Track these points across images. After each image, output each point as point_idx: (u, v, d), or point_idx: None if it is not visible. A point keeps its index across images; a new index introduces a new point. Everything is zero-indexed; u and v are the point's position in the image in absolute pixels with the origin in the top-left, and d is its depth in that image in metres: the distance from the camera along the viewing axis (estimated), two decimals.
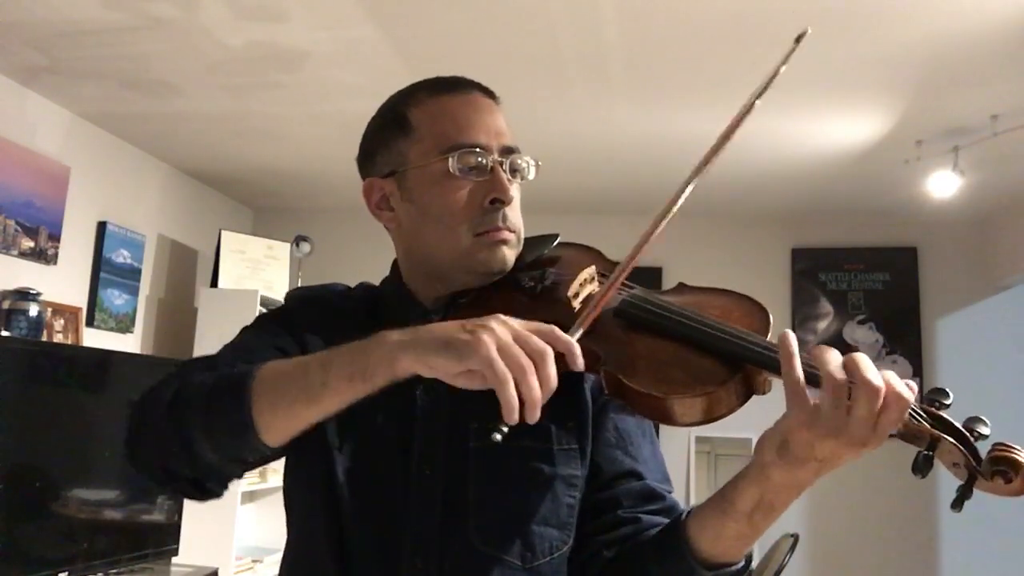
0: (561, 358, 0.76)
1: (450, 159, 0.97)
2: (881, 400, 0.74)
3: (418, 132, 1.00)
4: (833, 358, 0.76)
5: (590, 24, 2.53)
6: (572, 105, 3.18)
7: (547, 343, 0.75)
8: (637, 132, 3.44)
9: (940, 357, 4.47)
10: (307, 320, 1.03)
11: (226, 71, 2.95)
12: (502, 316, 0.75)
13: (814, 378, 0.77)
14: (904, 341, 4.50)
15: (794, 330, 4.53)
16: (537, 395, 0.72)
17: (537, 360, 0.73)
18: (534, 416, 0.72)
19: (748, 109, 0.92)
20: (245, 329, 1.05)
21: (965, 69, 2.74)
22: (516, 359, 0.72)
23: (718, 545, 0.87)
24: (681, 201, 0.89)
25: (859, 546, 4.36)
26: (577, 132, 3.46)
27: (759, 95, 0.93)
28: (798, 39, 0.95)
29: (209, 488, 0.90)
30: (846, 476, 4.33)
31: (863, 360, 0.75)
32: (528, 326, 0.76)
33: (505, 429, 0.74)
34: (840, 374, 0.75)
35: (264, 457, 0.85)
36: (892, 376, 0.76)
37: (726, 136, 0.91)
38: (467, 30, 2.62)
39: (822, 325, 4.57)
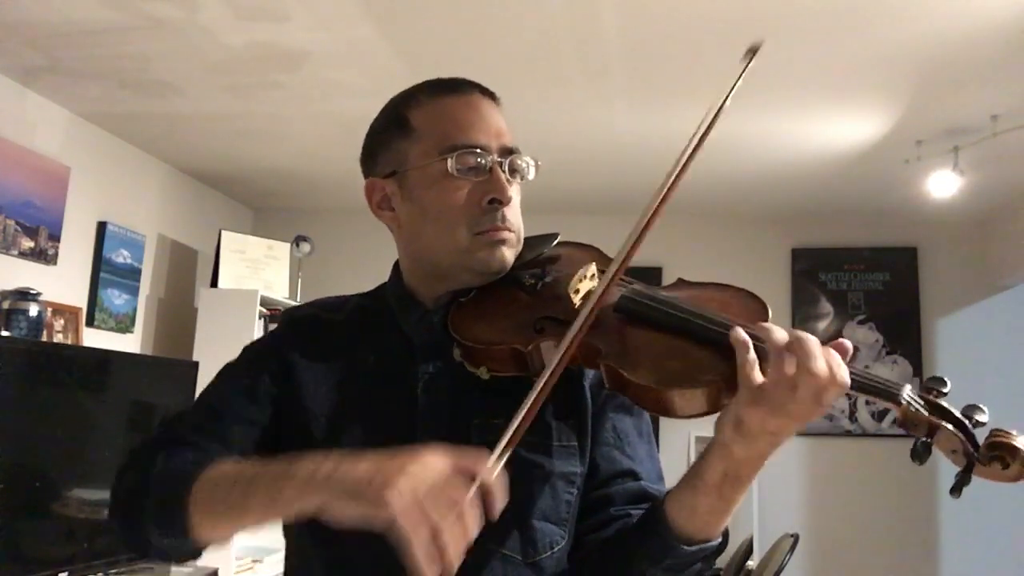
0: (484, 499, 0.72)
1: (449, 160, 0.97)
2: (822, 382, 0.79)
3: (418, 132, 1.00)
4: (777, 335, 0.81)
5: (590, 24, 2.53)
6: (572, 105, 3.18)
7: (469, 481, 0.71)
8: (637, 132, 3.44)
9: (940, 357, 4.47)
10: (295, 341, 1.04)
11: (226, 71, 2.95)
12: (422, 458, 0.72)
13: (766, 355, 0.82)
14: (904, 341, 4.51)
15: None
16: (450, 553, 0.68)
17: (454, 513, 0.69)
18: (452, 568, 0.68)
19: (714, 118, 0.95)
20: (227, 370, 1.06)
21: (965, 69, 2.74)
22: (428, 516, 0.68)
23: (694, 520, 0.89)
24: (666, 198, 0.91)
25: (859, 546, 4.36)
26: (577, 132, 3.46)
27: (722, 105, 0.95)
28: (751, 52, 0.96)
29: (176, 562, 0.98)
30: (846, 476, 4.37)
31: (806, 344, 0.80)
32: (448, 466, 0.72)
33: None
34: (783, 350, 0.80)
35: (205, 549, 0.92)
36: (832, 356, 0.81)
37: (699, 141, 0.94)
38: (467, 30, 2.62)
39: (822, 325, 4.57)
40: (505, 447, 0.77)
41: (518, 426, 0.79)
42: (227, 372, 1.06)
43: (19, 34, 2.71)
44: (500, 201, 0.98)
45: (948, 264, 4.54)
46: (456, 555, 0.68)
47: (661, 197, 0.91)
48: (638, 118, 3.30)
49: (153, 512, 0.89)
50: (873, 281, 4.59)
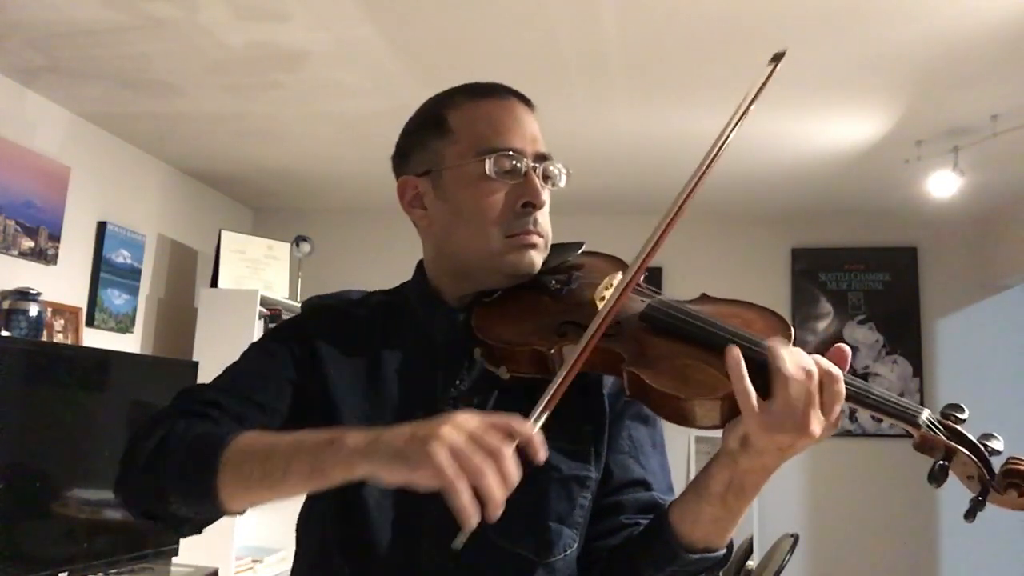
0: (526, 450, 0.74)
1: (486, 161, 0.99)
2: (824, 398, 0.80)
3: (456, 134, 1.02)
4: (790, 366, 0.80)
5: (590, 24, 2.53)
6: (572, 105, 3.18)
7: (507, 436, 0.73)
8: (637, 132, 3.44)
9: (940, 357, 4.47)
10: (321, 330, 1.04)
11: (226, 71, 2.95)
12: (459, 416, 0.74)
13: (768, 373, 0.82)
14: (904, 341, 4.51)
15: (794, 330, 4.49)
16: (495, 495, 0.71)
17: (495, 459, 0.72)
18: (494, 515, 0.71)
19: (732, 128, 0.94)
20: (253, 347, 1.06)
21: (965, 69, 2.74)
22: (469, 462, 0.71)
23: (697, 529, 0.90)
24: (683, 206, 0.91)
25: (859, 546, 4.36)
26: (577, 132, 3.46)
27: (744, 112, 0.94)
28: (775, 59, 0.96)
29: (186, 531, 0.94)
30: (846, 476, 4.37)
31: (811, 371, 0.80)
32: (485, 422, 0.74)
33: (464, 537, 0.72)
34: (790, 382, 0.79)
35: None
36: (822, 361, 0.82)
37: (717, 149, 0.93)
38: (467, 30, 2.62)
39: (822, 325, 4.57)
40: (542, 411, 0.79)
41: (550, 397, 0.82)
42: (251, 353, 1.05)
43: (19, 34, 2.71)
44: (534, 205, 1.00)
45: (948, 264, 4.54)
46: (499, 501, 0.71)
47: (682, 202, 0.91)
48: (639, 119, 3.30)
49: (177, 477, 0.87)
50: (873, 281, 4.59)
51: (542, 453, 0.74)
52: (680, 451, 4.36)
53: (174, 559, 3.36)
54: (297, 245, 4.36)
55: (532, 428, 0.75)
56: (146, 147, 3.92)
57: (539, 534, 0.95)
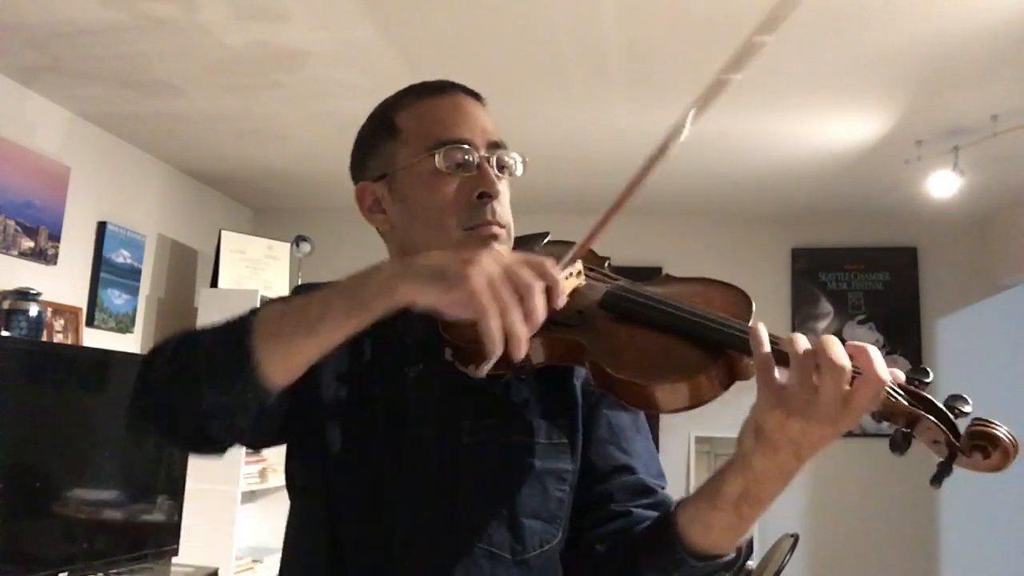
0: (548, 294, 0.77)
1: (436, 156, 0.98)
2: (847, 380, 0.76)
3: (405, 134, 1.01)
4: (799, 338, 0.79)
5: (590, 24, 2.53)
6: (572, 105, 3.18)
7: (536, 276, 0.76)
8: (637, 132, 3.44)
9: (940, 357, 4.47)
10: None
11: (226, 71, 2.95)
12: (496, 249, 0.77)
13: (784, 358, 0.79)
14: (904, 341, 4.51)
15: (794, 330, 4.52)
16: (520, 329, 0.73)
17: (524, 293, 0.74)
18: (518, 352, 0.74)
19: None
20: None
21: (965, 69, 2.74)
22: (501, 292, 0.74)
23: (708, 536, 0.88)
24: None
25: (859, 546, 4.36)
26: (577, 132, 3.46)
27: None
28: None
29: (212, 437, 0.89)
30: (846, 476, 4.37)
31: (830, 341, 0.78)
32: (520, 258, 0.77)
33: (487, 366, 0.75)
34: (803, 351, 0.77)
35: (264, 406, 0.84)
36: (874, 355, 0.77)
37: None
38: (467, 30, 2.62)
39: (822, 325, 4.57)
40: (569, 261, 0.83)
41: (589, 237, 0.85)
42: None
43: (19, 34, 2.71)
44: (489, 195, 0.98)
45: (948, 264, 4.54)
46: (523, 338, 0.74)
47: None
48: (639, 117, 3.29)
49: (207, 359, 0.84)
50: (873, 281, 4.59)
51: (562, 299, 0.78)
52: (680, 451, 4.35)
53: (174, 559, 3.36)
54: (297, 245, 4.36)
55: (559, 273, 0.78)
56: (146, 147, 3.92)
57: (512, 530, 0.94)
